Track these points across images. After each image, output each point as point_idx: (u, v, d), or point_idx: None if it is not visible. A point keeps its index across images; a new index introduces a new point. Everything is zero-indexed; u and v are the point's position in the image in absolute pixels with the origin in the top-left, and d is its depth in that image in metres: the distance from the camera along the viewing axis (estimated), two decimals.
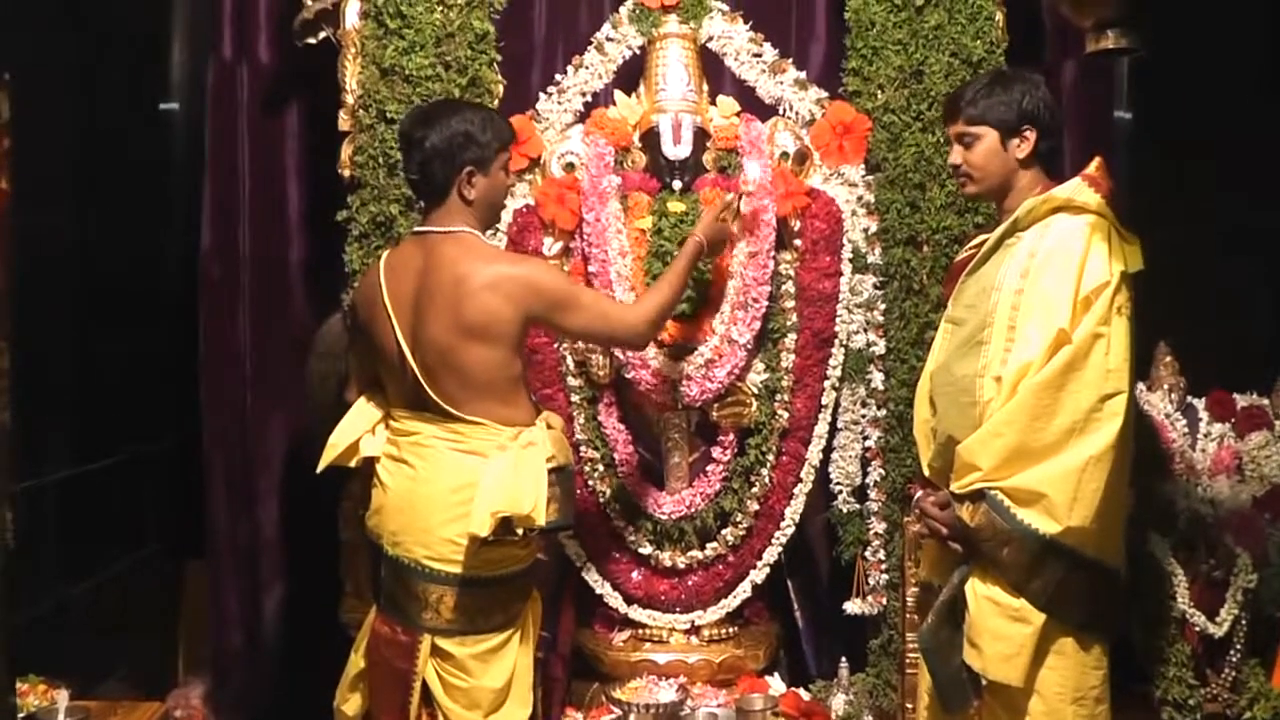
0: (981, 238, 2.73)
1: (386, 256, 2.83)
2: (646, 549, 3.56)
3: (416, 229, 2.80)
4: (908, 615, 3.26)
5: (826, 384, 3.60)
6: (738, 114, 3.63)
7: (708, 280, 3.46)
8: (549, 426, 2.77)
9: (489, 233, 2.94)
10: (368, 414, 2.84)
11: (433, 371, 2.66)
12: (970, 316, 2.58)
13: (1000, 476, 2.41)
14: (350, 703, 2.86)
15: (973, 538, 2.45)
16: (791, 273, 3.55)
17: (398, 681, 2.70)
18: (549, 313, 2.73)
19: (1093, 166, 2.57)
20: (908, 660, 3.21)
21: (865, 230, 3.60)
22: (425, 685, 2.70)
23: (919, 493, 2.68)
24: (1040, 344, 2.42)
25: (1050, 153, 2.65)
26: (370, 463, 2.80)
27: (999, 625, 2.42)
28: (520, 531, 2.62)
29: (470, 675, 2.67)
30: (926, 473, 2.71)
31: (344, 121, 3.49)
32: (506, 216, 3.49)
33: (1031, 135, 2.62)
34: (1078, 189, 2.52)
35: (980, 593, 2.46)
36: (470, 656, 2.68)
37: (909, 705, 3.25)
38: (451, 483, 2.64)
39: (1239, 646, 3.35)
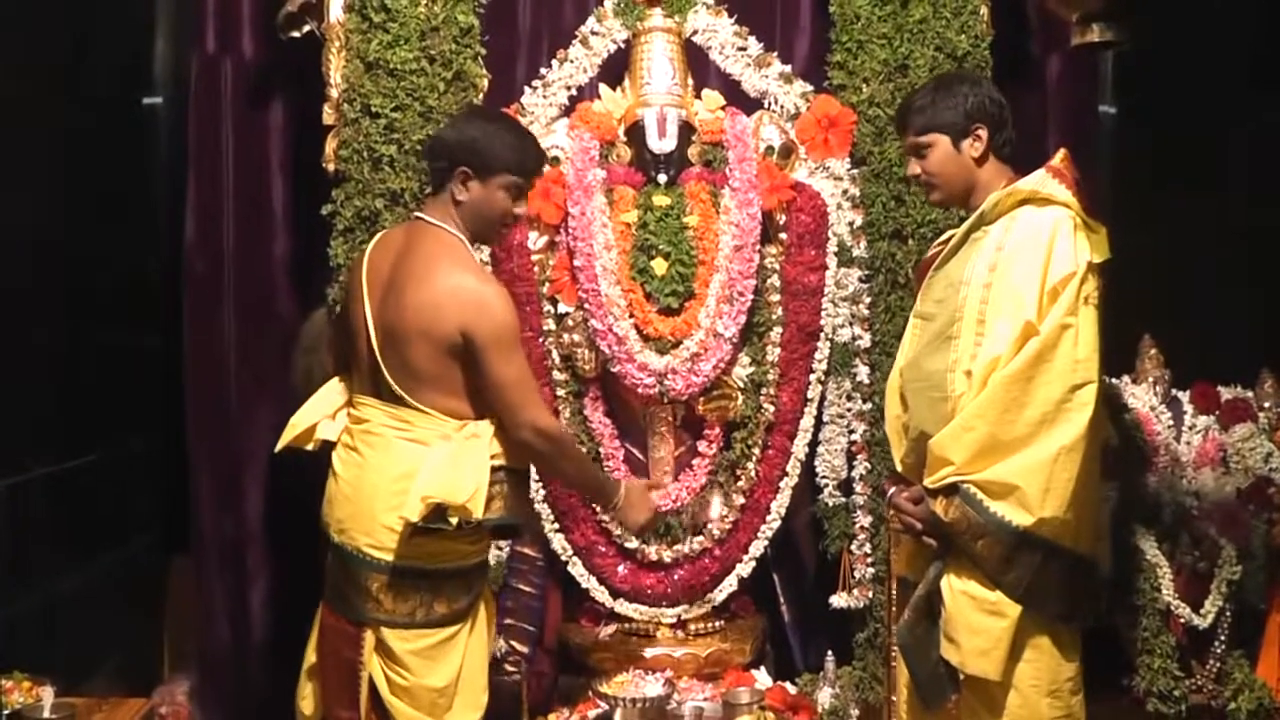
0: (950, 233, 2.73)
1: (379, 237, 2.83)
2: (632, 543, 3.56)
3: (415, 214, 2.79)
4: (893, 608, 3.26)
5: (812, 378, 3.60)
6: (723, 108, 3.64)
7: (693, 274, 3.46)
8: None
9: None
10: (332, 398, 2.81)
11: (385, 353, 2.64)
12: (939, 311, 2.58)
13: (973, 470, 2.41)
14: (307, 699, 2.84)
15: (948, 532, 2.45)
16: (777, 266, 3.56)
17: (347, 673, 2.66)
18: (485, 343, 2.59)
19: (1057, 158, 2.57)
20: (893, 653, 3.22)
21: (850, 224, 3.60)
22: (374, 685, 2.65)
23: (892, 489, 2.68)
24: (1008, 337, 2.42)
25: (1005, 146, 2.63)
26: (329, 448, 2.79)
27: (975, 619, 2.43)
28: (455, 522, 2.54)
29: (411, 672, 2.62)
30: (899, 468, 2.71)
31: (328, 116, 3.48)
32: None
33: (983, 133, 2.60)
34: (1042, 181, 2.52)
35: (956, 587, 2.46)
36: (411, 652, 2.62)
37: (894, 698, 3.26)
38: (395, 470, 2.61)
39: (1223, 638, 3.36)
